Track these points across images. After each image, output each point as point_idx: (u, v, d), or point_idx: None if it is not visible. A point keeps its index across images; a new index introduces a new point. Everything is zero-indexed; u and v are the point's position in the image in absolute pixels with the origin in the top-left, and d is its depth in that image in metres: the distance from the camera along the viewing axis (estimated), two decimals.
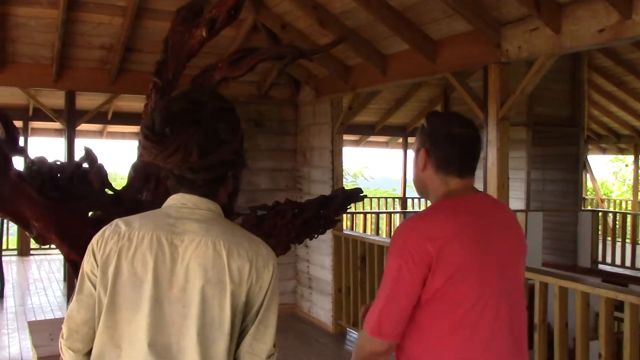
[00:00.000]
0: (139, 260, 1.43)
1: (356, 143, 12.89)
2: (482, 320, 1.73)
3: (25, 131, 10.11)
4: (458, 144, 1.83)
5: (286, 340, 6.21)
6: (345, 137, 12.23)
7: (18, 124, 9.62)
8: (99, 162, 2.41)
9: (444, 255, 1.68)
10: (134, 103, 8.93)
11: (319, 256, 6.88)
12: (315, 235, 2.97)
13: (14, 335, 6.34)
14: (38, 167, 2.19)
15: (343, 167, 6.71)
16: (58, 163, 2.28)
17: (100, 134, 11.87)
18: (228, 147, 1.47)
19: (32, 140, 10.83)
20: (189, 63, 2.65)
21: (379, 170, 22.62)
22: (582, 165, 9.91)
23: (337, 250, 6.49)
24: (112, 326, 1.42)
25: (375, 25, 4.98)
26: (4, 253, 10.38)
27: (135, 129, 10.78)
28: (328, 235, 6.63)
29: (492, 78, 4.26)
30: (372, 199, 13.70)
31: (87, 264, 1.48)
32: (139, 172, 2.57)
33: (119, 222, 1.48)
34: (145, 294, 1.40)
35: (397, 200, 13.20)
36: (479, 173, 2.24)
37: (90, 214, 2.43)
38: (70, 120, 6.51)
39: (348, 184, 19.67)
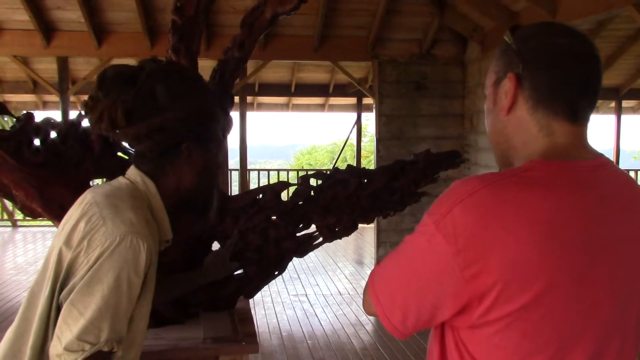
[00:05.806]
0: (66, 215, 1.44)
1: None
2: None
3: None
4: (570, 61, 1.06)
5: None
6: None
7: None
8: None
9: (528, 263, 0.97)
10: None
11: None
12: (391, 213, 2.29)
13: None
14: (18, 127, 1.88)
15: None
16: (52, 122, 1.95)
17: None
18: (169, 113, 1.36)
19: None
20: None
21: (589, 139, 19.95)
22: None
23: None
24: None
25: None
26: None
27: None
28: None
29: None
30: None
31: None
32: None
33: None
34: (54, 242, 1.39)
35: None
36: None
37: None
38: None
39: None
